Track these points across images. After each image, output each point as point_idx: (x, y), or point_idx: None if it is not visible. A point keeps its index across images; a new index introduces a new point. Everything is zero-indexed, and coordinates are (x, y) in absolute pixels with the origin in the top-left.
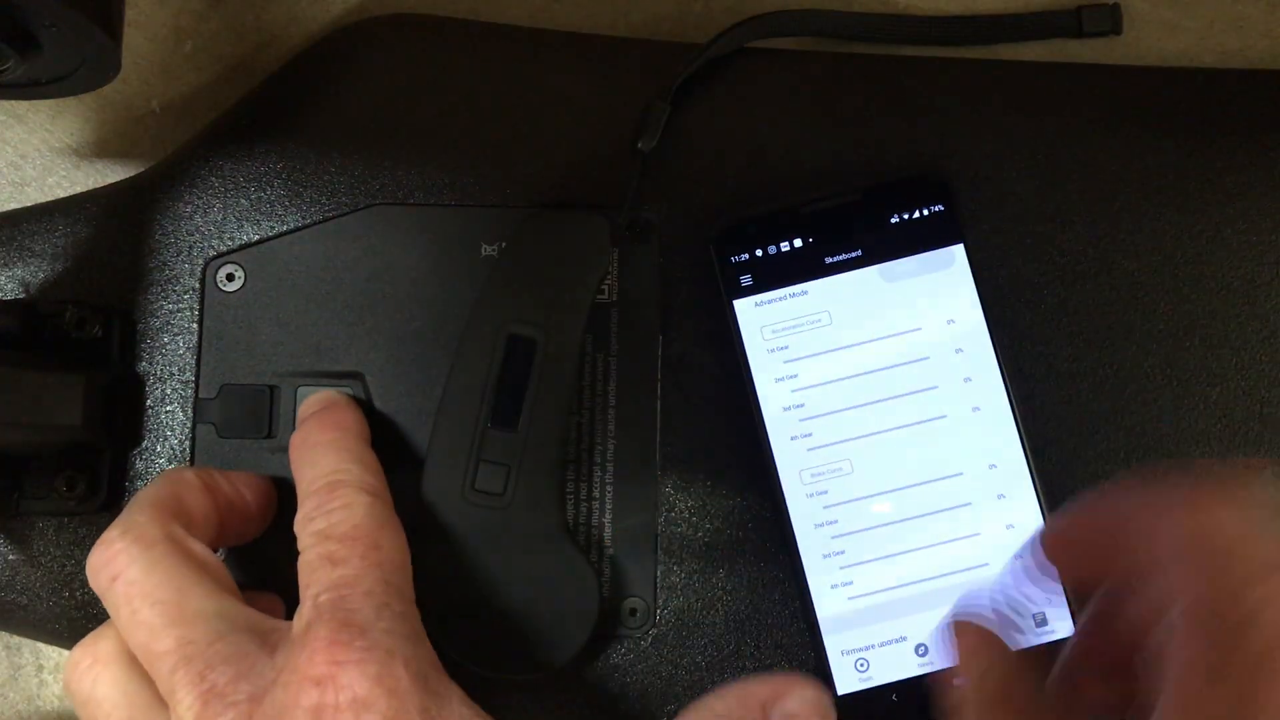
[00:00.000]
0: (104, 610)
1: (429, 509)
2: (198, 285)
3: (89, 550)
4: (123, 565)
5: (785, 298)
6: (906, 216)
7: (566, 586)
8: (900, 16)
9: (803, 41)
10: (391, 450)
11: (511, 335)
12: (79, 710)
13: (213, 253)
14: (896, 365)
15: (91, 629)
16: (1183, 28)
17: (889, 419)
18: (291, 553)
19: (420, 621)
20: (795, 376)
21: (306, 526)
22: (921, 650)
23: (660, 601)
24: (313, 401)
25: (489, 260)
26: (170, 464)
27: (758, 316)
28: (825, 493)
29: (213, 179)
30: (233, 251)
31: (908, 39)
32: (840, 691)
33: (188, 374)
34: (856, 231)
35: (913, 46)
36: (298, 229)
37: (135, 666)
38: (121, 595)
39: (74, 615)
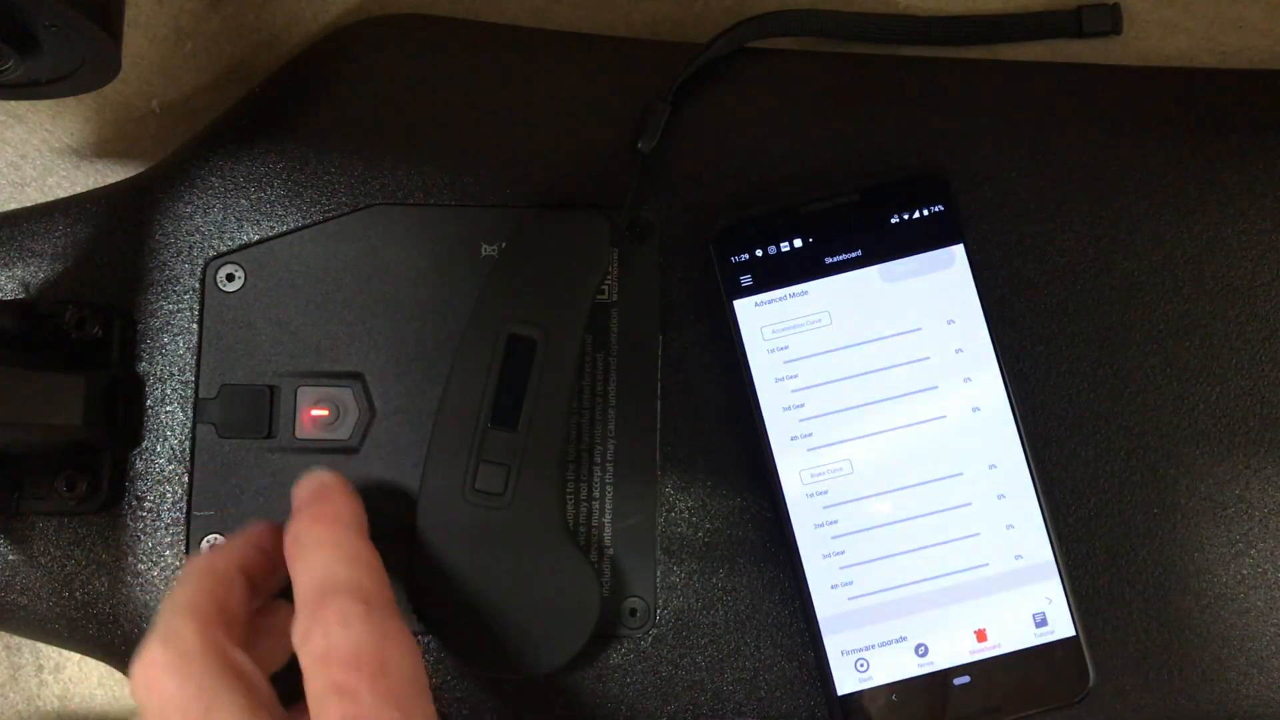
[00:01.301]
0: (104, 612)
1: (429, 509)
2: (198, 285)
3: (89, 550)
4: (158, 677)
5: (785, 298)
6: (906, 216)
7: (566, 586)
8: (900, 16)
9: (803, 41)
10: (392, 451)
11: (512, 335)
12: None
13: (213, 253)
14: (896, 365)
15: (91, 630)
16: (1183, 28)
17: (889, 419)
18: None
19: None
20: (795, 376)
21: (305, 645)
22: (921, 650)
23: (660, 601)
24: (303, 486)
25: (489, 260)
26: (170, 464)
27: (758, 316)
28: (825, 493)
29: (213, 179)
30: (233, 251)
31: (908, 39)
32: (840, 691)
33: (188, 374)
34: (856, 231)
35: (913, 46)
36: (298, 229)
37: None
38: (156, 710)
39: (74, 615)
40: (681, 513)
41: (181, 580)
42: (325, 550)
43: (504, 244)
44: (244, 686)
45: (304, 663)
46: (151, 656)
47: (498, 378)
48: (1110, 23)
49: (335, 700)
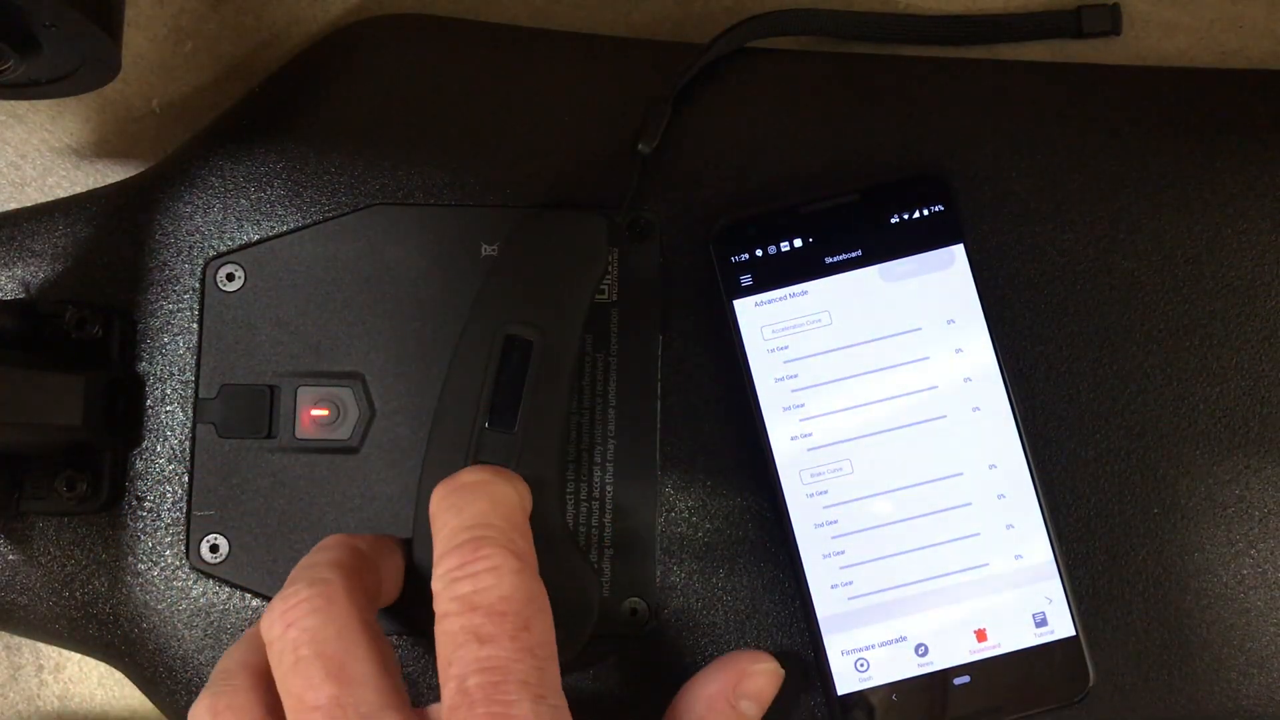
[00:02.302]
0: (104, 612)
1: (426, 508)
2: (198, 285)
3: (89, 550)
4: (303, 613)
5: (785, 298)
6: (906, 216)
7: (566, 588)
8: (900, 16)
9: (803, 41)
10: (392, 451)
11: (509, 336)
12: None
13: (213, 253)
14: (896, 365)
15: (91, 630)
16: (1183, 28)
17: (889, 419)
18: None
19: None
20: (795, 376)
21: (449, 588)
22: (921, 650)
23: (660, 601)
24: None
25: (489, 260)
26: (170, 464)
27: (758, 316)
28: (825, 493)
29: (213, 179)
30: (233, 251)
31: (908, 39)
32: (840, 691)
33: (188, 374)
34: (856, 231)
35: (913, 46)
36: (298, 229)
37: None
38: (291, 641)
39: (74, 615)
40: (681, 513)
41: (322, 547)
42: (483, 501)
43: (501, 244)
44: (381, 646)
45: (443, 605)
46: (296, 592)
47: (495, 378)
48: (1110, 23)
49: (474, 645)
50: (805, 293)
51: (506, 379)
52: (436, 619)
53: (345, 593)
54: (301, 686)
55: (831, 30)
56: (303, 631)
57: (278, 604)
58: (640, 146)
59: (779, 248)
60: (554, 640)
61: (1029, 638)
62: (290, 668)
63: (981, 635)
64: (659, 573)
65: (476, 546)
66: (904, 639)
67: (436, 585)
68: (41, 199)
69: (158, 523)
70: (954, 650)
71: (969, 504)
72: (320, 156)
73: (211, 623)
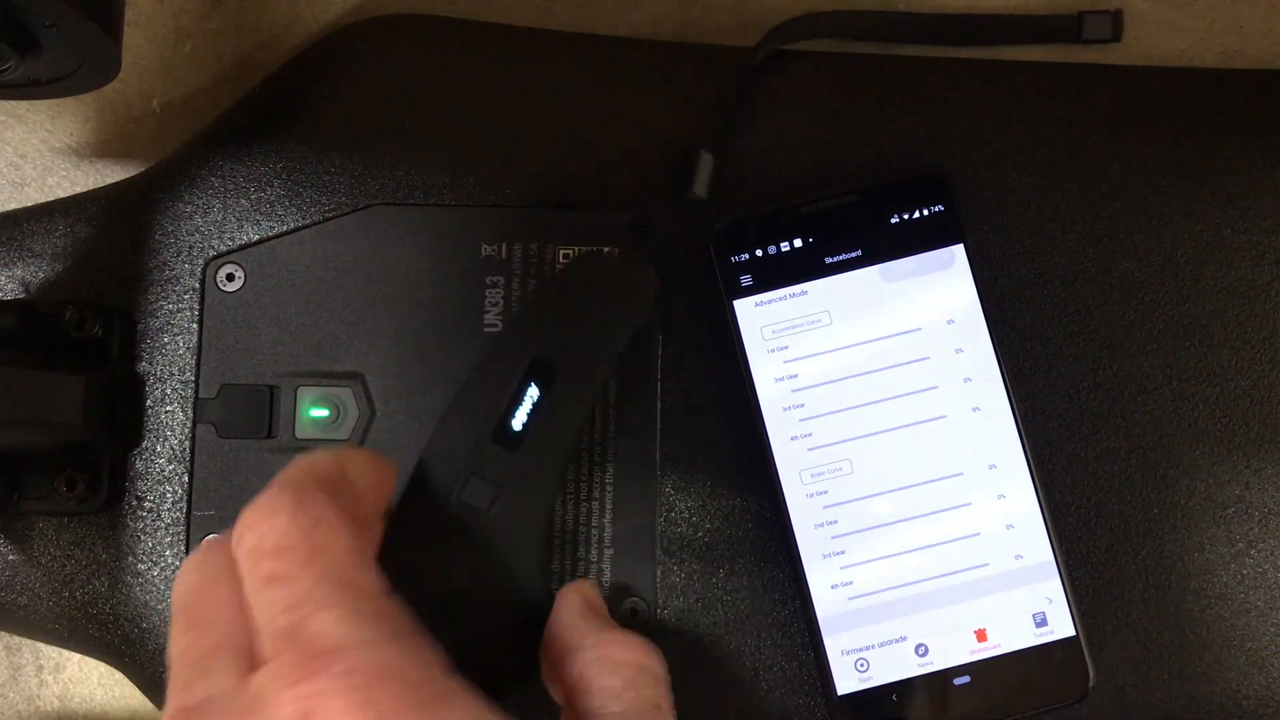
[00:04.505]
0: (104, 612)
1: (413, 504)
2: (198, 285)
3: (89, 550)
4: (268, 513)
5: (785, 298)
6: (906, 216)
7: (527, 611)
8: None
9: (802, 43)
10: (392, 451)
11: (536, 358)
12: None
13: (213, 253)
14: (896, 365)
15: (91, 630)
16: (1183, 28)
17: (889, 419)
18: None
19: (402, 604)
20: (795, 376)
21: (238, 551)
22: (921, 650)
23: (660, 601)
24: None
25: (489, 260)
26: (170, 464)
27: (758, 316)
28: (825, 493)
29: (213, 179)
30: (233, 251)
31: (919, 38)
32: (840, 691)
33: (188, 374)
34: (856, 231)
35: (913, 46)
36: (298, 229)
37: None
38: (256, 546)
39: (74, 615)
40: (681, 513)
41: (293, 463)
42: (300, 464)
43: (560, 270)
44: (363, 538)
45: (241, 573)
46: (266, 498)
47: (511, 394)
48: (1111, 30)
49: (271, 592)
50: (805, 293)
51: (522, 399)
52: (245, 593)
53: (322, 493)
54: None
55: (865, 31)
56: (269, 534)
57: (246, 511)
58: (691, 192)
59: (779, 248)
60: (357, 550)
61: (1029, 638)
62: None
63: (981, 635)
64: (659, 573)
65: (254, 502)
66: (904, 639)
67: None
68: (41, 199)
69: (158, 523)
70: (954, 650)
71: (969, 504)
72: (320, 156)
73: None
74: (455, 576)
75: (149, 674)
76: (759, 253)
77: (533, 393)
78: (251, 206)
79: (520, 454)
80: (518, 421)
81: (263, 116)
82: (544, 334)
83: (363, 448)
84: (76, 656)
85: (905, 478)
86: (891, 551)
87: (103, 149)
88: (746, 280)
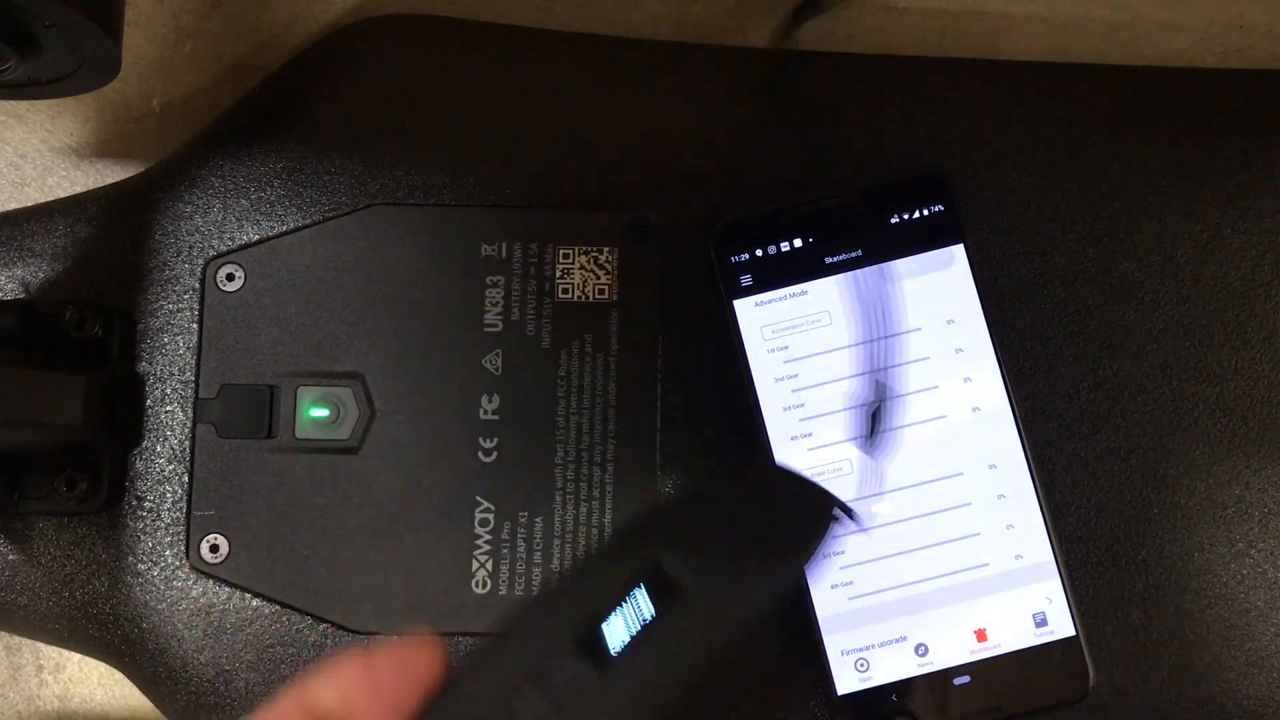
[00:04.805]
0: (104, 612)
1: (454, 699)
2: (198, 285)
3: (89, 550)
4: None
5: (785, 298)
6: (906, 216)
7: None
8: None
9: (802, 42)
10: (392, 451)
11: (656, 563)
12: None
13: (213, 253)
14: (897, 365)
15: (91, 630)
16: (1183, 28)
17: (889, 418)
18: None
19: None
20: (795, 376)
21: None
22: (921, 650)
23: None
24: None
25: (489, 260)
26: (170, 464)
27: (758, 316)
28: None
29: (213, 179)
30: (233, 251)
31: None
32: (840, 691)
33: (188, 374)
34: (856, 231)
35: (913, 46)
36: (298, 229)
37: None
38: None
39: (74, 615)
40: None
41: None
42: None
43: (713, 480)
44: None
45: None
46: None
47: (611, 602)
48: None
49: None
50: (805, 293)
51: (626, 613)
52: None
53: None
54: None
55: None
56: None
57: None
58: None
59: (779, 248)
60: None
61: (1029, 638)
62: None
63: (981, 635)
64: None
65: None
66: (904, 639)
67: None
68: (41, 199)
69: (158, 523)
70: (954, 650)
71: (969, 504)
72: (320, 156)
73: (211, 623)
74: None
75: (148, 674)
76: (759, 252)
77: (639, 607)
78: (251, 206)
79: (607, 680)
80: (615, 636)
81: (263, 116)
82: (674, 537)
83: (400, 640)
84: (76, 656)
85: (905, 477)
86: (892, 551)
87: (103, 149)
88: (746, 280)
